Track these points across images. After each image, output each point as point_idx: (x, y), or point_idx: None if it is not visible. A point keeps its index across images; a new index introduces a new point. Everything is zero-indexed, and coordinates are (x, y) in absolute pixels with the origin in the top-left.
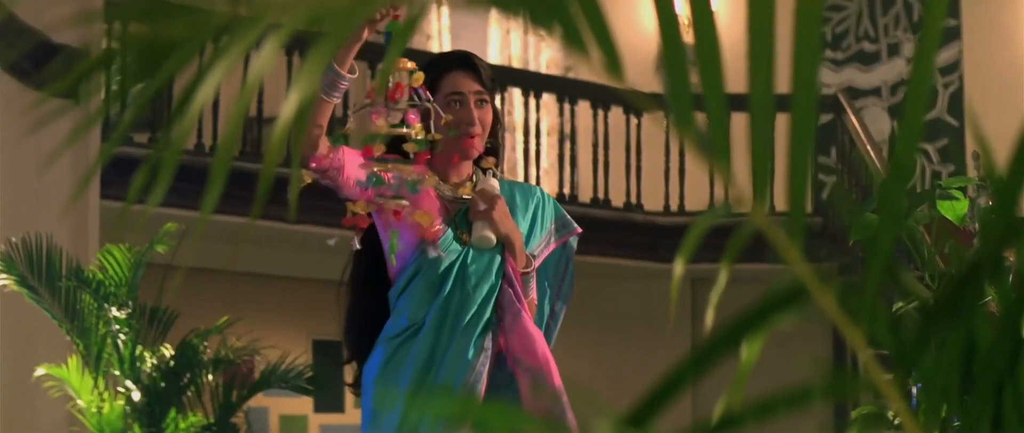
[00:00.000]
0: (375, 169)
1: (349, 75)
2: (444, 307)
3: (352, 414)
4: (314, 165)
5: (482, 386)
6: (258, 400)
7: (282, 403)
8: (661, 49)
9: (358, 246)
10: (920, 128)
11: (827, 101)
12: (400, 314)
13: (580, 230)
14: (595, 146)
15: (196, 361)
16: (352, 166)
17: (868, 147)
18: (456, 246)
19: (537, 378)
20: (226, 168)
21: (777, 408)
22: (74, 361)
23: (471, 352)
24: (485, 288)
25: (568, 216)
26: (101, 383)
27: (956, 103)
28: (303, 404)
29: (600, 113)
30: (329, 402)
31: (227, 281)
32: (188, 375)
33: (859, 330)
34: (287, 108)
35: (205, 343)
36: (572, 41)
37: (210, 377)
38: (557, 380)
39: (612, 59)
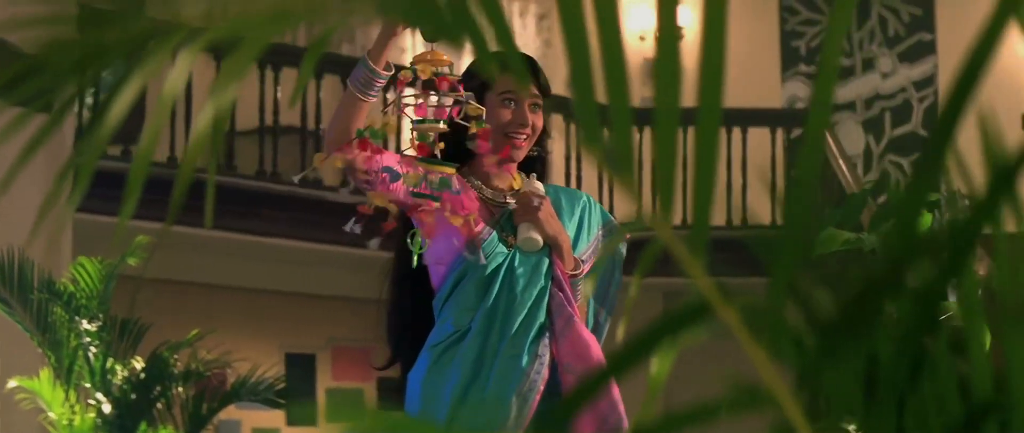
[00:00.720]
0: (409, 169)
1: (384, 72)
2: (491, 311)
3: (326, 427)
4: (348, 163)
5: (536, 395)
6: (230, 413)
7: (254, 416)
8: (569, 62)
9: (376, 246)
10: (822, 145)
11: (800, 115)
12: (445, 321)
13: (629, 236)
14: (567, 159)
15: (167, 374)
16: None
17: (840, 161)
18: (502, 249)
19: None
20: (143, 175)
21: (684, 422)
22: (46, 373)
23: (525, 359)
24: (534, 291)
25: (616, 222)
26: (72, 395)
27: (931, 117)
28: (275, 417)
29: (572, 126)
30: (302, 415)
31: (200, 294)
32: (158, 388)
33: (762, 345)
34: (203, 117)
35: (175, 356)
36: (481, 53)
37: (181, 389)
38: (614, 387)
39: (520, 70)
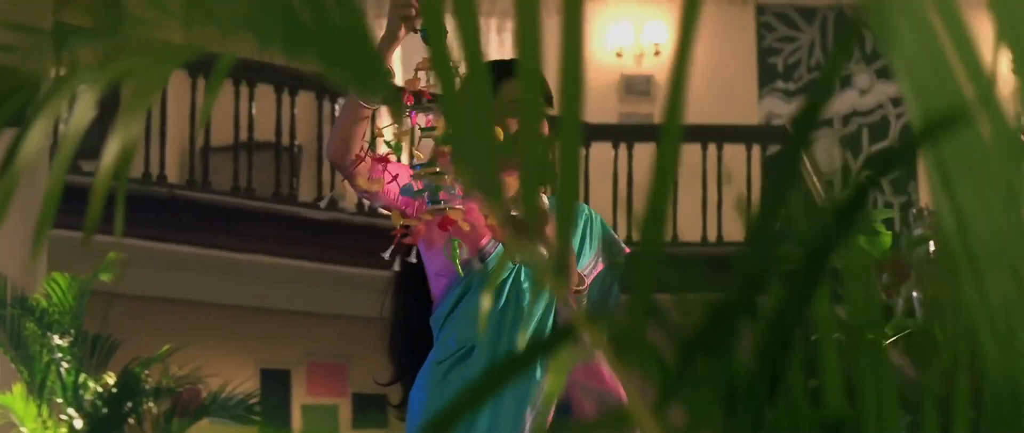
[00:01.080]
0: (416, 176)
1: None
2: (498, 326)
3: None
4: (351, 170)
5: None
6: (205, 429)
7: (228, 432)
8: (437, 77)
9: (397, 268)
10: (675, 166)
11: (777, 132)
12: (448, 337)
13: (629, 251)
14: None
15: (138, 389)
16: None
17: (815, 178)
18: (507, 263)
19: (606, 401)
20: (56, 203)
21: None
22: (19, 388)
23: (540, 372)
24: (541, 305)
25: (615, 236)
26: (45, 411)
27: (908, 133)
28: None
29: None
30: (276, 431)
31: (176, 310)
32: (130, 403)
33: (627, 364)
34: (107, 158)
35: (147, 371)
36: (365, 86)
37: (152, 405)
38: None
39: (395, 102)
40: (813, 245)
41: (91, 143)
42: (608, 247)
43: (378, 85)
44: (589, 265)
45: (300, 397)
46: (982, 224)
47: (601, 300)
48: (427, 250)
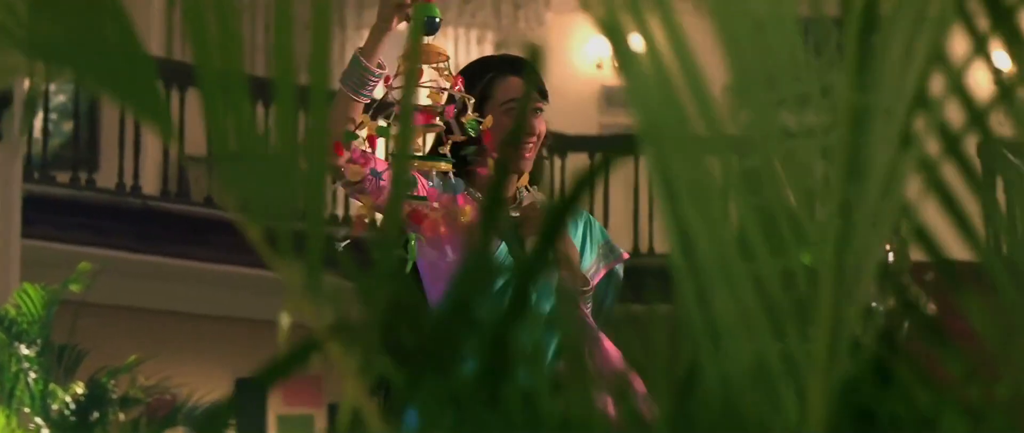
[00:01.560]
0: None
1: (378, 70)
2: None
3: None
4: (341, 169)
5: None
6: None
7: None
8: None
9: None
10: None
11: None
12: None
13: (627, 256)
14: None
15: (105, 399)
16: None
17: None
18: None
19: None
20: None
21: None
22: None
23: None
24: (548, 308)
25: (613, 242)
26: (13, 420)
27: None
28: None
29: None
30: None
31: (152, 320)
32: (97, 412)
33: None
34: None
35: (114, 381)
36: (141, 111)
37: (120, 415)
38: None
39: (165, 130)
40: (524, 260)
41: (65, 154)
42: (607, 253)
43: (153, 110)
44: (591, 268)
45: (276, 407)
46: (705, 242)
47: (601, 305)
48: (428, 246)
